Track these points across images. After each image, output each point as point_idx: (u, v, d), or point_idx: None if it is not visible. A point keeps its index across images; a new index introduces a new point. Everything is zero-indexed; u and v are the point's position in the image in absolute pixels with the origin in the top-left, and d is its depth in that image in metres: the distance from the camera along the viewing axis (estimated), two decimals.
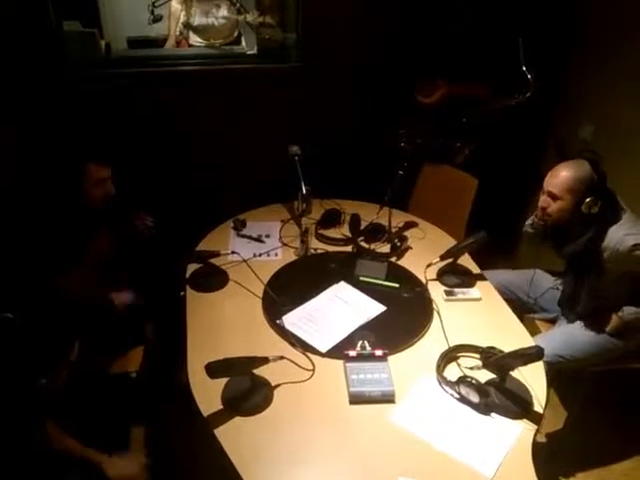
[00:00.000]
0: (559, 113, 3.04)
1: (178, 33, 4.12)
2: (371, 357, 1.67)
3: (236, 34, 3.91)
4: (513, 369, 1.58)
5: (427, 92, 2.73)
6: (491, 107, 2.59)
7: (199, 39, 3.83)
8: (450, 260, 2.10)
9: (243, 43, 3.84)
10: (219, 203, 2.63)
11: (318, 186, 2.54)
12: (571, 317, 2.16)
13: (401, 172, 2.23)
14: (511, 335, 1.86)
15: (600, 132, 2.75)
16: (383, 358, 1.67)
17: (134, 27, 4.06)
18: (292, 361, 1.65)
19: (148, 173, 2.88)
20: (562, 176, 1.91)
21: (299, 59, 3.09)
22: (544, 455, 2.27)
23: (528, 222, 2.20)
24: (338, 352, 1.71)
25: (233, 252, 2.07)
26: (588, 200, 1.87)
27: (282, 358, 1.59)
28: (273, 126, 3.11)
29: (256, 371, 1.57)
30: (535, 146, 3.04)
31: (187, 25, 3.98)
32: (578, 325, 2.13)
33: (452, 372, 1.68)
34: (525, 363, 1.53)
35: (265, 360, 1.55)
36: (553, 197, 1.94)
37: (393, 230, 2.36)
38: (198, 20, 3.85)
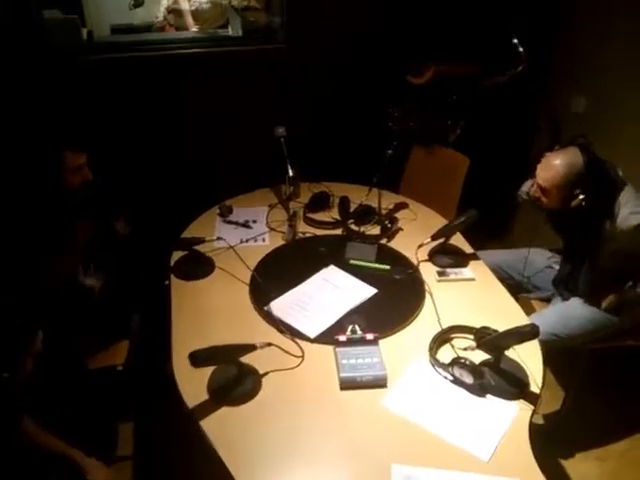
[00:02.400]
0: (550, 87, 2.98)
1: (162, 18, 4.05)
2: (362, 341, 1.62)
3: (223, 19, 3.83)
4: (508, 348, 1.53)
5: (417, 72, 2.66)
6: (483, 84, 2.53)
7: (186, 24, 3.74)
8: (442, 240, 2.05)
9: (229, 27, 3.77)
10: (208, 189, 2.56)
11: (307, 170, 2.49)
12: (566, 295, 2.12)
13: (390, 152, 2.17)
14: (506, 315, 1.81)
15: (592, 104, 2.69)
16: (374, 342, 1.62)
17: (118, 15, 3.98)
18: (280, 348, 1.60)
19: (134, 160, 2.82)
20: (552, 170, 1.84)
21: (284, 41, 3.03)
22: (542, 436, 2.26)
23: (524, 189, 2.15)
24: (328, 337, 1.66)
25: (219, 238, 2.01)
26: (581, 197, 1.82)
27: (270, 345, 1.54)
28: (260, 108, 3.05)
29: (243, 359, 1.52)
30: (527, 123, 2.98)
31: (172, 10, 3.91)
32: (573, 302, 2.08)
33: (445, 354, 1.63)
34: (520, 342, 1.48)
35: (252, 347, 1.49)
36: (544, 190, 1.89)
37: (383, 212, 2.30)
38: (183, 5, 3.78)
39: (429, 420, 1.43)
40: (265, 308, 1.77)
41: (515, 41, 2.30)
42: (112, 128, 2.80)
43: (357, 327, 1.68)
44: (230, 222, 2.26)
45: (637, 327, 2.11)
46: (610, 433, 2.27)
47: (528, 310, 2.21)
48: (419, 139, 2.77)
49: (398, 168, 2.85)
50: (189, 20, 3.82)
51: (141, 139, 2.93)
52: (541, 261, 2.27)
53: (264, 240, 2.17)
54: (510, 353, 1.58)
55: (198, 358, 1.40)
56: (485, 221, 2.53)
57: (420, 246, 2.04)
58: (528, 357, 1.61)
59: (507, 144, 2.88)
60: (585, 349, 2.09)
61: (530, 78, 2.53)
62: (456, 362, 1.52)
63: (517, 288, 2.31)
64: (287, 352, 1.60)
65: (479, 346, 1.56)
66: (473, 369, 1.50)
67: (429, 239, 2.03)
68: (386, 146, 2.18)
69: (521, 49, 2.32)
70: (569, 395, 2.26)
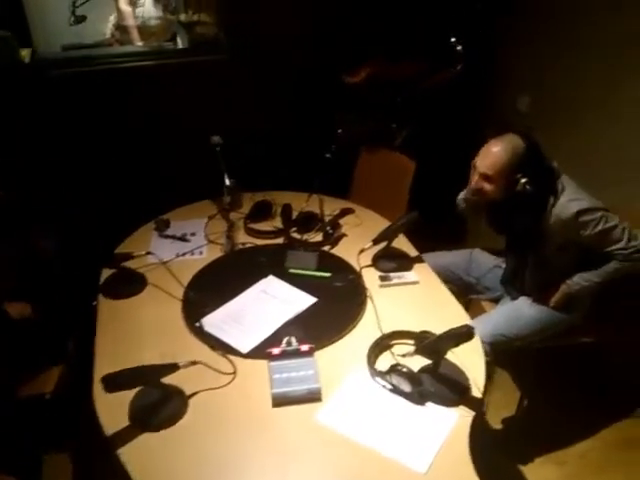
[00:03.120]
0: (496, 87, 2.97)
1: (110, 35, 3.98)
2: (297, 354, 1.53)
3: (170, 33, 3.77)
4: (446, 352, 1.46)
5: (352, 71, 2.60)
6: (424, 85, 2.49)
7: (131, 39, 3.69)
8: (384, 244, 1.99)
9: (179, 41, 3.71)
10: (150, 202, 2.46)
11: (253, 180, 2.41)
12: (514, 294, 2.07)
13: (328, 155, 2.10)
14: (450, 318, 1.74)
15: (537, 103, 2.68)
16: (309, 353, 1.53)
17: (76, 36, 3.91)
18: (208, 365, 1.50)
19: (71, 174, 2.72)
20: (494, 156, 1.79)
21: (225, 52, 3.00)
22: (500, 441, 2.20)
23: (460, 197, 2.11)
24: (262, 351, 1.56)
25: (148, 253, 1.91)
26: (523, 181, 1.77)
27: (195, 363, 1.44)
28: (204, 119, 2.96)
29: (168, 380, 1.42)
30: (473, 123, 2.95)
31: (119, 27, 3.85)
32: (521, 302, 2.04)
33: (386, 362, 1.56)
34: (456, 344, 1.41)
35: (174, 367, 1.39)
36: (486, 178, 1.83)
37: (328, 218, 2.23)
38: (129, 21, 3.72)
39: (365, 433, 1.34)
40: (197, 324, 1.67)
41: (453, 40, 2.27)
42: (51, 142, 2.70)
43: (293, 339, 1.59)
44: (167, 236, 2.16)
45: (589, 323, 2.07)
46: (568, 435, 2.22)
47: (479, 312, 2.17)
48: (365, 143, 2.72)
49: (348, 173, 2.80)
50: (134, 35, 3.78)
51: (81, 152, 2.84)
52: (489, 261, 2.23)
53: (201, 253, 2.07)
54: (452, 357, 1.52)
55: (111, 382, 1.29)
56: (436, 225, 2.50)
57: (361, 251, 1.98)
58: (470, 360, 1.55)
59: (453, 146, 2.84)
60: (534, 349, 2.04)
61: (474, 78, 2.51)
62: (394, 370, 1.45)
63: (467, 290, 2.27)
64: (216, 370, 1.51)
65: (417, 351, 1.49)
66: (411, 376, 1.43)
67: (370, 243, 1.97)
68: (326, 150, 2.12)
69: (459, 48, 2.29)
70: (524, 397, 2.20)
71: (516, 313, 2.00)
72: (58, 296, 2.02)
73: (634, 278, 1.96)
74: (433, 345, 1.44)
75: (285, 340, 1.59)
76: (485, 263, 2.23)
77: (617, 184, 2.29)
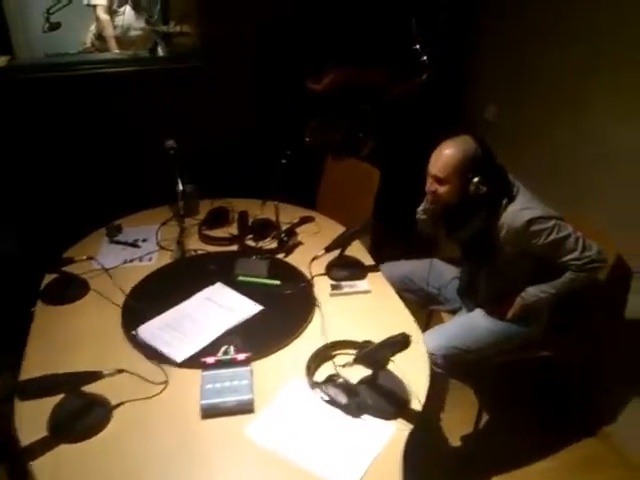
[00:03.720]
0: (464, 97, 2.95)
1: (90, 44, 3.96)
2: (232, 363, 1.47)
3: (151, 42, 3.76)
4: (386, 362, 1.40)
5: (316, 79, 2.57)
6: (389, 93, 2.46)
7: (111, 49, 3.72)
8: (338, 252, 1.94)
9: (159, 51, 3.70)
10: (113, 208, 2.41)
11: (214, 186, 2.37)
12: (470, 305, 2.02)
13: (284, 161, 2.05)
14: (399, 328, 1.62)
15: (505, 113, 2.66)
16: (245, 363, 1.47)
17: (55, 45, 3.88)
18: (136, 374, 1.43)
19: (35, 174, 2.68)
20: (446, 157, 1.75)
21: (201, 60, 3.00)
22: (458, 460, 2.13)
23: (420, 208, 2.06)
24: (197, 361, 1.50)
25: (90, 258, 1.84)
26: (476, 180, 1.73)
27: (121, 371, 1.37)
28: (178, 125, 2.95)
29: (95, 389, 1.35)
30: (441, 133, 2.92)
31: (99, 36, 3.84)
32: (476, 313, 1.98)
33: (327, 373, 1.49)
34: (393, 353, 1.35)
35: (98, 375, 1.33)
36: (439, 180, 1.79)
37: (286, 226, 2.18)
38: (109, 31, 3.73)
39: (295, 448, 1.28)
40: (133, 332, 1.61)
41: (417, 47, 2.23)
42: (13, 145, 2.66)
43: (232, 348, 1.53)
44: (118, 242, 2.10)
45: (548, 337, 2.02)
46: (526, 454, 2.14)
47: (439, 323, 2.11)
48: (331, 152, 2.68)
49: (315, 183, 2.76)
50: (112, 44, 3.78)
51: (43, 156, 2.81)
52: (449, 271, 2.18)
53: (151, 259, 2.01)
54: (394, 368, 1.46)
55: (27, 389, 1.23)
56: (404, 235, 2.45)
57: (314, 259, 1.93)
58: (414, 372, 1.49)
59: (419, 156, 2.81)
60: (495, 363, 1.98)
61: (442, 87, 2.48)
62: (331, 380, 1.39)
63: (428, 300, 2.21)
64: (144, 379, 1.44)
65: (356, 361, 1.42)
66: (348, 387, 1.37)
67: (323, 251, 1.91)
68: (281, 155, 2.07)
69: (425, 57, 2.25)
70: (482, 414, 2.13)
71: (471, 325, 1.95)
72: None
73: (593, 289, 1.92)
74: (371, 354, 1.38)
75: (223, 349, 1.53)
76: (445, 273, 2.18)
77: (575, 197, 2.27)
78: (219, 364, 1.46)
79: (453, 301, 2.15)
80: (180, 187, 2.04)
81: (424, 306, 2.28)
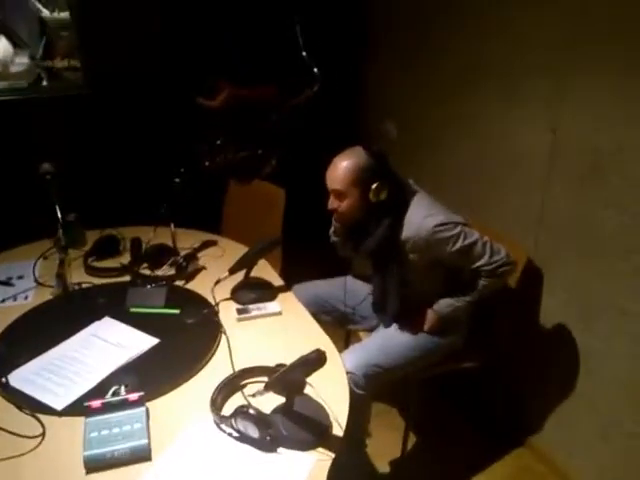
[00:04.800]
0: (363, 110, 2.94)
1: None
2: (123, 405, 1.25)
3: (34, 75, 3.48)
4: (301, 386, 1.25)
5: (209, 95, 2.44)
6: (280, 109, 2.38)
7: None
8: (244, 274, 1.78)
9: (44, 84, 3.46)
10: None
11: (104, 216, 2.15)
12: (387, 321, 1.92)
13: (177, 180, 1.89)
14: (315, 346, 1.54)
15: (405, 129, 2.67)
16: (139, 403, 1.26)
17: None
18: (5, 429, 1.18)
19: None
20: (341, 170, 1.68)
21: (88, 87, 2.96)
22: None
23: (331, 230, 1.96)
24: (81, 406, 1.27)
25: None
26: (374, 186, 1.65)
27: None
28: (63, 152, 2.73)
29: None
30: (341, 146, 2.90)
31: None
32: (394, 328, 1.89)
33: (237, 405, 1.31)
34: (308, 373, 1.21)
35: None
36: (339, 195, 1.71)
37: (186, 251, 2.00)
38: None
39: None
40: (3, 379, 1.35)
41: (304, 54, 2.16)
42: None
43: (123, 388, 1.32)
44: None
45: (471, 347, 1.96)
46: (461, 469, 2.05)
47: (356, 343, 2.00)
48: (233, 174, 2.54)
49: (218, 206, 2.60)
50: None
51: None
52: (363, 289, 2.08)
53: (27, 298, 1.75)
54: (312, 393, 1.31)
55: None
56: (316, 253, 2.33)
57: (217, 282, 1.76)
58: (334, 394, 1.35)
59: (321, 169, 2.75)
60: (416, 379, 1.89)
61: (337, 99, 2.44)
62: (239, 413, 1.21)
63: (344, 320, 2.10)
64: (16, 434, 1.19)
65: (267, 388, 1.26)
66: (259, 419, 1.19)
67: (227, 273, 1.75)
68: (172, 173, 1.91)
69: (315, 69, 2.19)
70: (407, 434, 2.02)
71: (389, 341, 1.85)
72: None
73: (505, 293, 1.90)
74: (284, 378, 1.23)
75: (112, 390, 1.31)
76: (359, 291, 2.08)
77: (478, 202, 2.28)
78: (107, 407, 1.24)
79: (370, 318, 2.04)
80: (59, 214, 1.80)
81: (341, 326, 2.16)
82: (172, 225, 1.92)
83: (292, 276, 2.45)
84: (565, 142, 1.85)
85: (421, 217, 1.69)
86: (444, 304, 1.81)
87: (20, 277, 1.86)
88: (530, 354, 2.15)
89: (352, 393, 1.69)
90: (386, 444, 2.06)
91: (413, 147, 2.59)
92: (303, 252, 2.63)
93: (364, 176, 1.65)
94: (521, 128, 2.02)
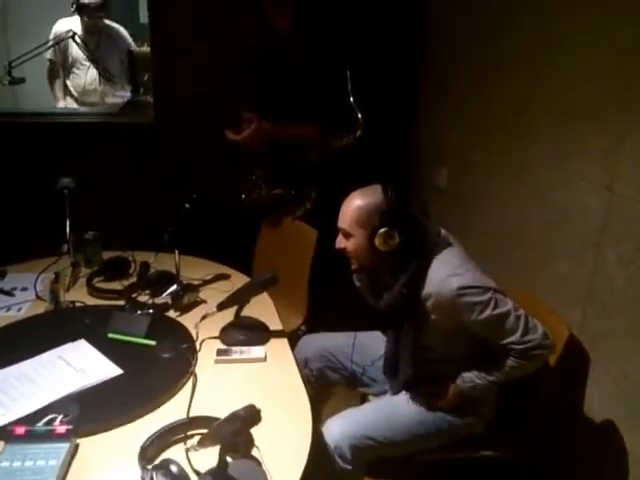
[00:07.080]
0: (412, 158, 2.79)
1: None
2: (50, 436, 1.14)
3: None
4: (236, 446, 1.06)
5: (236, 129, 2.37)
6: (321, 149, 2.26)
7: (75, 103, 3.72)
8: (236, 313, 1.64)
9: None
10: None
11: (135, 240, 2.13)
12: (395, 388, 1.67)
13: (187, 205, 1.82)
14: (286, 405, 1.36)
15: (454, 176, 2.47)
16: (65, 437, 1.13)
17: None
18: None
19: None
20: (349, 208, 1.51)
21: (153, 117, 3.11)
22: None
23: (355, 277, 1.77)
24: (5, 430, 1.17)
25: None
26: (381, 231, 1.46)
27: None
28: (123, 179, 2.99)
29: None
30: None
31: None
32: (402, 397, 1.63)
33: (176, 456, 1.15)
34: (238, 433, 1.02)
35: None
36: (345, 234, 1.54)
37: (195, 282, 1.90)
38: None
39: None
40: None
41: (351, 99, 2.05)
42: None
43: (60, 417, 1.21)
44: None
45: (493, 432, 1.66)
46: None
47: None
48: (268, 210, 2.45)
49: (249, 245, 2.52)
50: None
51: None
52: (379, 348, 1.82)
53: (20, 310, 1.72)
54: (262, 456, 1.12)
55: None
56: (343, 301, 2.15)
57: (203, 317, 1.63)
58: (287, 466, 1.14)
59: None
60: (420, 459, 1.62)
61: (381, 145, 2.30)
62: (160, 467, 1.04)
63: (352, 381, 1.87)
64: None
65: (202, 443, 1.09)
66: (179, 477, 1.02)
67: (214, 309, 1.62)
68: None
69: (359, 115, 2.06)
70: None
71: (391, 411, 1.60)
72: None
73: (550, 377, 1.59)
74: (218, 434, 1.06)
75: (47, 418, 1.20)
76: (374, 350, 1.81)
77: (521, 264, 2.01)
78: (30, 436, 1.13)
79: (382, 383, 1.79)
80: (67, 229, 1.78)
81: (352, 388, 1.94)
82: (176, 252, 1.83)
83: (317, 325, 2.28)
84: (621, 203, 1.56)
85: (444, 275, 1.45)
86: (465, 380, 1.53)
87: (24, 289, 1.85)
88: (565, 450, 1.80)
89: (335, 468, 1.48)
90: None
91: (458, 197, 2.38)
92: (331, 299, 2.46)
93: (370, 218, 1.46)
94: (572, 182, 1.75)
